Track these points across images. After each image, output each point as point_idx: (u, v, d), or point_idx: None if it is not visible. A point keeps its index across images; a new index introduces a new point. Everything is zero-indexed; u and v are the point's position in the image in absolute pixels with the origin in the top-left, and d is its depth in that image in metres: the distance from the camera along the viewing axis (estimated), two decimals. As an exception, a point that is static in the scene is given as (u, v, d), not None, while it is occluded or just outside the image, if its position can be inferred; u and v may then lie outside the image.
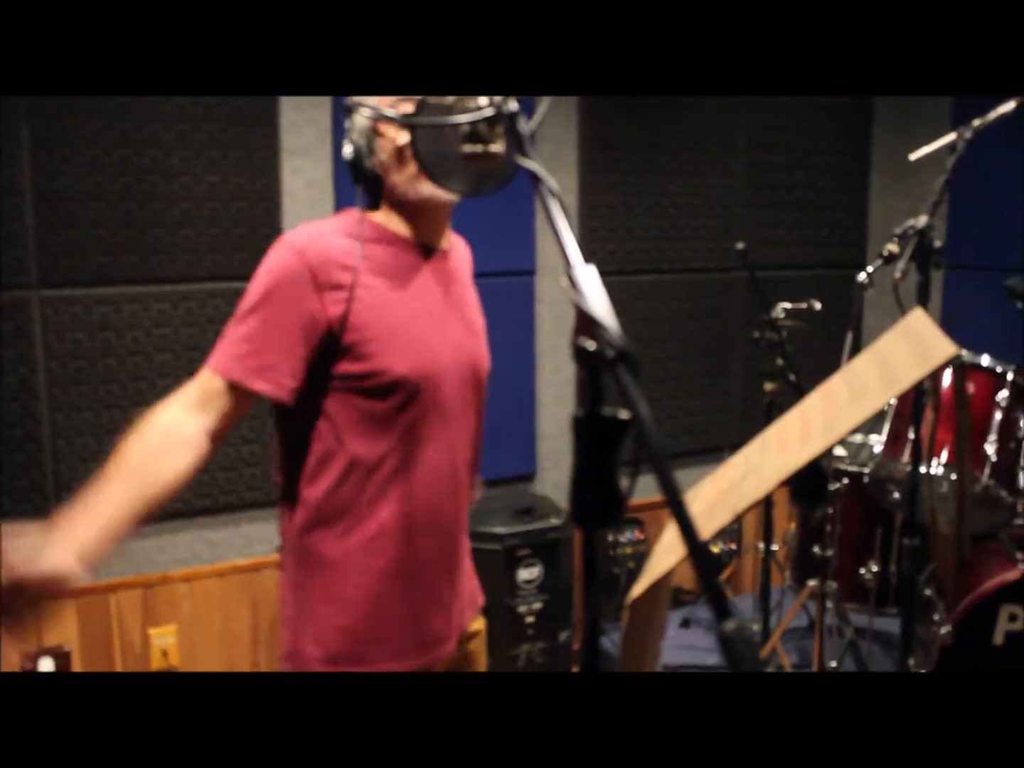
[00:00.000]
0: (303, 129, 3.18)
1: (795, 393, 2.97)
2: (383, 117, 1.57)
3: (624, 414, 1.00)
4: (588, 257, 1.01)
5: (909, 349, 1.26)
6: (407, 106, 1.61)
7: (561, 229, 1.09)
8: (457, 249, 1.81)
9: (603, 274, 1.01)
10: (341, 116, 3.30)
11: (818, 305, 3.24)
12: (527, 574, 3.28)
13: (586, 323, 1.00)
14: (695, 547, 0.90)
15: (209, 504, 3.14)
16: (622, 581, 3.76)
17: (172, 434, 1.47)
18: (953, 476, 2.50)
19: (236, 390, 1.53)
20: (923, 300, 2.12)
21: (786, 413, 1.55)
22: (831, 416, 1.26)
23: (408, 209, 1.66)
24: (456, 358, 1.68)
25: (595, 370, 1.00)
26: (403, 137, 1.62)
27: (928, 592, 2.80)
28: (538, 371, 3.68)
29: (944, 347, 1.12)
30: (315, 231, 1.62)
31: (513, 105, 1.22)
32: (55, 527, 1.29)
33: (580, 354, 0.99)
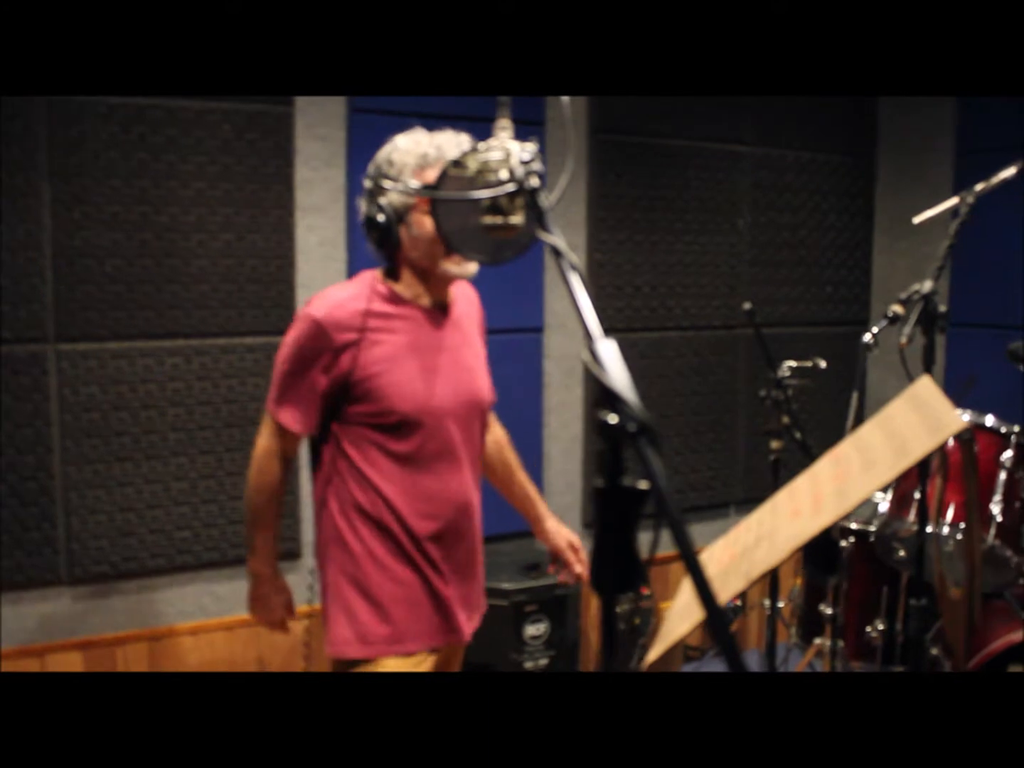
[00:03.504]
0: (317, 187, 3.24)
1: (801, 451, 2.99)
2: (408, 190, 1.63)
3: (643, 485, 1.03)
4: (595, 313, 1.05)
5: (919, 420, 1.29)
6: (429, 176, 1.75)
7: (581, 303, 1.13)
8: (461, 298, 2.09)
9: (610, 331, 1.04)
10: (355, 175, 3.38)
11: (823, 363, 3.27)
12: (534, 630, 3.28)
13: (607, 397, 1.03)
14: (714, 616, 0.93)
15: (217, 557, 3.15)
16: (626, 636, 3.75)
17: (278, 483, 2.01)
18: (959, 536, 2.51)
19: (289, 432, 1.96)
20: (928, 364, 2.15)
21: (797, 477, 1.58)
22: (842, 485, 1.29)
23: (422, 276, 1.96)
24: (456, 396, 1.97)
25: (616, 443, 1.03)
26: None
27: (935, 651, 2.80)
28: (545, 427, 3.70)
29: (954, 420, 1.15)
30: (331, 300, 1.92)
31: (535, 181, 1.26)
32: (276, 569, 2.09)
33: (602, 428, 1.02)
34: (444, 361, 1.97)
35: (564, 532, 2.30)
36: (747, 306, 2.91)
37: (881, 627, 3.12)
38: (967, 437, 1.37)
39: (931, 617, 2.69)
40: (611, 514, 1.04)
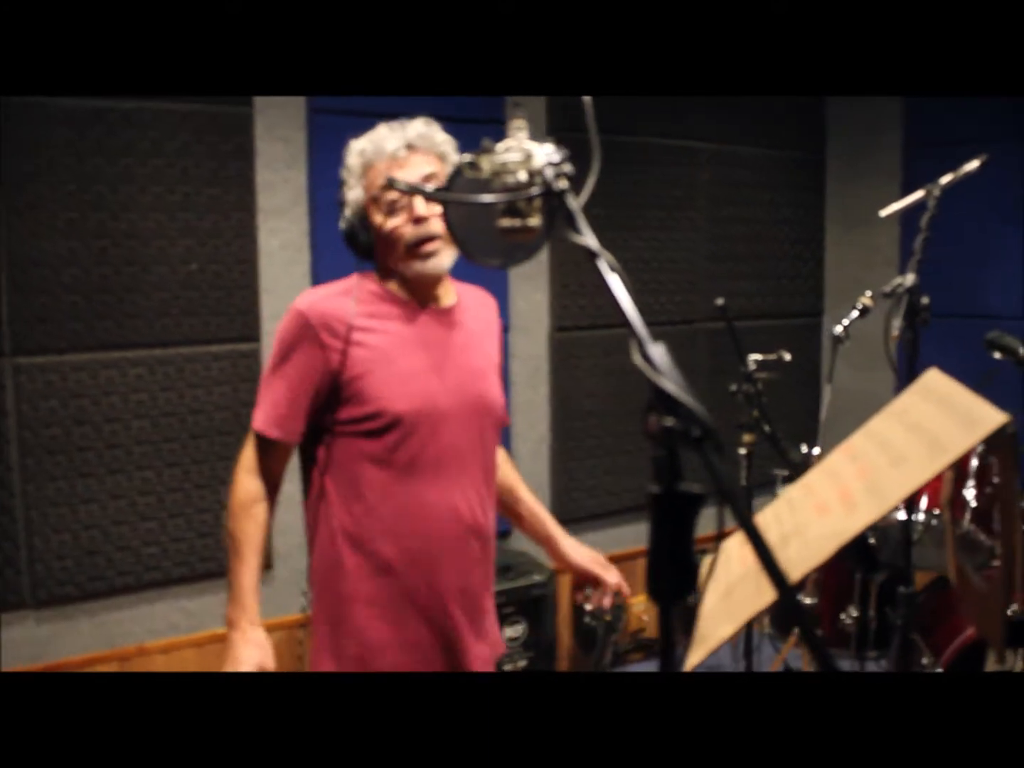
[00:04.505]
0: (279, 190, 3.17)
1: (770, 444, 3.02)
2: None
3: (698, 489, 1.02)
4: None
5: (943, 413, 1.30)
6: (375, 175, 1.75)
7: (624, 304, 1.11)
8: (470, 300, 1.93)
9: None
10: (316, 176, 3.31)
11: (788, 356, 3.31)
12: (511, 632, 3.26)
13: (663, 401, 1.01)
14: (796, 610, 0.93)
15: (187, 572, 3.06)
16: (599, 635, 3.75)
17: (259, 504, 1.77)
18: (937, 524, 2.56)
19: (266, 441, 1.77)
20: (912, 356, 2.19)
21: (808, 472, 1.58)
22: (874, 481, 1.28)
23: (401, 278, 1.81)
24: (456, 399, 1.78)
25: (673, 447, 1.02)
26: (391, 222, 1.76)
27: (912, 636, 2.84)
28: (512, 427, 3.68)
29: (990, 415, 1.16)
30: (316, 293, 1.79)
31: (563, 183, 1.24)
32: (252, 618, 1.73)
33: (662, 432, 1.00)
34: (448, 360, 1.79)
35: (584, 551, 2.06)
36: (720, 302, 2.93)
37: (855, 614, 3.17)
38: (1012, 431, 1.37)
39: (913, 604, 2.73)
40: (668, 520, 1.03)
